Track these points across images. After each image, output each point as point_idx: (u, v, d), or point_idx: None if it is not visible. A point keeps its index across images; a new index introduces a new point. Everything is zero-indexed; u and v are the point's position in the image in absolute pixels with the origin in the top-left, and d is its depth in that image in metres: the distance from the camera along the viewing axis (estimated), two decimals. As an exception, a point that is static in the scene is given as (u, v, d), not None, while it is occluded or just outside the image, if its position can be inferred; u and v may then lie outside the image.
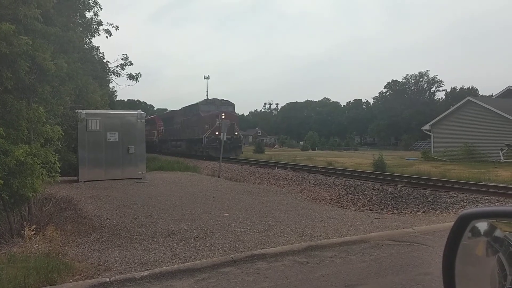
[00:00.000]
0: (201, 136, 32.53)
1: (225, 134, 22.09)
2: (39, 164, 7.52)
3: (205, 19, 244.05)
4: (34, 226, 6.90)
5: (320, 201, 13.79)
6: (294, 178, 18.37)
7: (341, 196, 14.17)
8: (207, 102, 35.28)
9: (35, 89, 8.17)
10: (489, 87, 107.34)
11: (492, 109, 30.33)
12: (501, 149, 27.86)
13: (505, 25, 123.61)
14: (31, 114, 7.76)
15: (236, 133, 32.68)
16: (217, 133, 30.51)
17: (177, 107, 54.04)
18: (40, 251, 6.13)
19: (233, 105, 35.24)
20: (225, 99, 35.19)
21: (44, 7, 7.92)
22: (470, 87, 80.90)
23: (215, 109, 33.47)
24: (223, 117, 30.36)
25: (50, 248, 6.29)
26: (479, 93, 74.11)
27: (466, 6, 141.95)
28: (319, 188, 15.82)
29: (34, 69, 7.75)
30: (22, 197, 7.48)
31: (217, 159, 27.42)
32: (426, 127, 36.84)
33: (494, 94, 44.67)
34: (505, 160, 27.06)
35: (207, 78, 62.18)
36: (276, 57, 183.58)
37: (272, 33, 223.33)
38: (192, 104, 37.08)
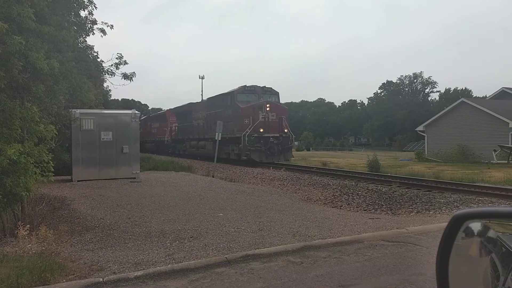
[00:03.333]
0: (238, 134, 25.21)
1: (220, 134, 21.90)
2: (32, 163, 7.49)
3: (200, 19, 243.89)
4: (28, 226, 6.86)
5: (315, 201, 13.80)
6: (289, 178, 18.37)
7: (335, 197, 14.18)
8: (246, 90, 26.86)
9: (28, 88, 8.13)
10: (483, 88, 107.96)
11: (486, 110, 30.50)
12: (494, 150, 28.02)
13: (500, 27, 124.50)
14: (25, 113, 7.72)
15: (285, 130, 25.76)
16: (261, 130, 24.47)
17: (172, 106, 50.18)
18: (33, 251, 6.10)
19: (277, 94, 27.67)
20: (267, 86, 27.47)
21: (38, 6, 7.88)
22: (464, 88, 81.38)
23: (256, 98, 26.28)
24: (267, 109, 24.91)
25: (43, 248, 6.26)
26: (472, 94, 74.54)
27: (460, 8, 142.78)
28: (314, 188, 15.84)
29: (27, 68, 7.71)
30: (15, 196, 7.44)
31: (262, 165, 23.96)
32: (420, 128, 36.98)
33: (487, 96, 45.01)
34: (498, 161, 27.22)
35: (202, 78, 61.97)
36: (271, 57, 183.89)
37: (267, 33, 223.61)
38: (224, 93, 28.67)
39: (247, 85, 26.98)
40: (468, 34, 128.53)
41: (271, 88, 27.58)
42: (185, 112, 37.20)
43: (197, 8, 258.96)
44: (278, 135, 25.27)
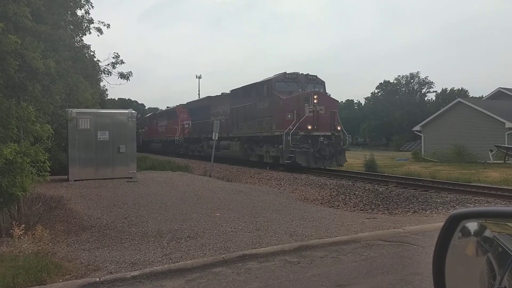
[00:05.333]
0: (278, 132, 20.56)
1: (217, 133, 21.77)
2: (28, 163, 7.46)
3: (197, 19, 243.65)
4: (23, 225, 6.84)
5: (312, 201, 13.80)
6: (286, 178, 18.37)
7: (332, 196, 14.19)
8: (286, 78, 21.95)
9: (25, 87, 8.11)
10: (479, 88, 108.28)
11: (482, 110, 30.59)
12: (491, 150, 28.11)
13: (496, 28, 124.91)
14: (21, 113, 7.69)
15: (338, 127, 21.06)
16: (309, 127, 19.90)
17: (169, 106, 47.86)
18: (29, 251, 6.08)
19: (323, 83, 22.68)
20: (311, 74, 22.50)
21: (34, 5, 7.86)
22: (461, 88, 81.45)
23: (299, 88, 21.65)
24: (315, 101, 20.26)
25: (40, 248, 6.24)
26: (469, 94, 74.62)
27: (458, 9, 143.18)
28: (311, 188, 15.84)
29: (23, 67, 7.69)
30: (11, 196, 7.41)
31: (309, 171, 19.86)
32: (417, 128, 37.06)
33: (484, 96, 45.14)
34: (494, 161, 27.31)
35: (199, 77, 61.92)
36: (268, 56, 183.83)
37: (264, 32, 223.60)
38: (256, 83, 23.80)
39: (287, 72, 22.05)
40: (465, 35, 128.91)
41: (316, 76, 22.56)
42: (201, 107, 32.15)
43: (195, 8, 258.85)
44: (330, 133, 20.67)
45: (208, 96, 32.42)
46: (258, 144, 23.11)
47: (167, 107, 45.34)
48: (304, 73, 22.19)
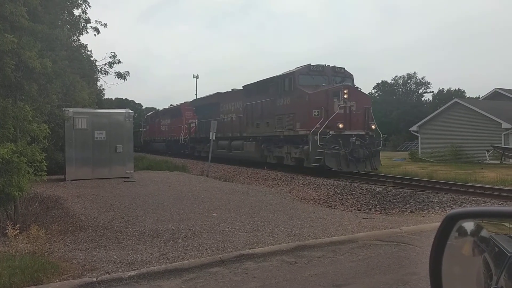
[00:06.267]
0: (303, 131, 18.27)
1: (214, 133, 21.68)
2: (25, 162, 7.44)
3: (195, 18, 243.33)
4: (18, 225, 6.82)
5: (309, 201, 13.81)
6: (283, 178, 18.39)
7: (329, 196, 14.21)
8: (311, 70, 19.55)
9: (21, 87, 8.09)
10: (476, 89, 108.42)
11: (479, 111, 30.68)
12: (487, 151, 28.19)
13: (493, 28, 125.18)
14: (17, 112, 7.67)
15: (373, 126, 18.86)
16: (341, 125, 17.67)
17: (166, 106, 46.82)
18: (26, 250, 6.06)
19: (351, 77, 20.37)
20: (338, 66, 20.13)
21: (31, 4, 7.85)
22: (457, 89, 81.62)
23: (325, 82, 19.29)
24: (345, 96, 18.09)
25: (36, 248, 6.22)
26: (466, 95, 74.78)
27: (455, 9, 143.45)
28: (308, 188, 15.86)
29: (20, 66, 7.67)
30: (8, 196, 7.40)
31: (340, 174, 17.62)
32: (414, 128, 37.13)
33: (481, 96, 45.25)
34: (491, 162, 27.40)
35: (196, 77, 61.84)
36: (265, 56, 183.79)
37: (262, 32, 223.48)
38: (276, 76, 21.21)
39: (311, 64, 19.65)
40: (462, 35, 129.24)
41: (344, 68, 20.28)
42: (208, 105, 29.60)
43: (192, 8, 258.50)
44: (363, 133, 18.42)
45: (217, 93, 29.52)
46: (277, 145, 20.98)
47: (170, 105, 43.25)
48: (331, 65, 19.90)
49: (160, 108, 53.05)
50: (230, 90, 27.90)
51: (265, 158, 22.16)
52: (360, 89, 20.08)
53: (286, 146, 20.19)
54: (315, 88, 18.79)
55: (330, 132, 17.51)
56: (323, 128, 17.45)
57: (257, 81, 23.22)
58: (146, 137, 48.82)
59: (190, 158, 30.71)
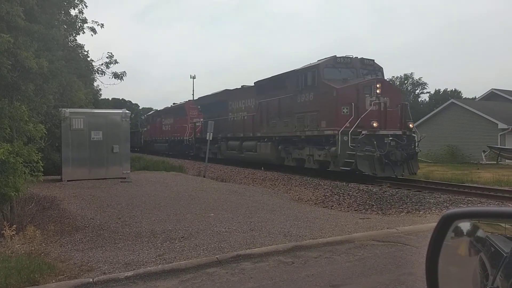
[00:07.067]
0: (330, 130, 16.38)
1: (211, 133, 21.60)
2: (21, 163, 7.42)
3: (192, 18, 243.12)
4: (14, 226, 6.79)
5: (306, 201, 13.82)
6: (280, 178, 18.39)
7: (326, 197, 14.21)
8: (337, 62, 17.54)
9: (18, 87, 8.07)
10: (473, 89, 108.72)
11: (475, 111, 30.80)
12: (484, 151, 28.29)
13: (491, 30, 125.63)
14: (14, 112, 7.65)
15: (410, 125, 16.94)
16: (375, 124, 15.69)
17: (163, 106, 46.11)
18: (22, 251, 6.04)
19: (381, 69, 18.36)
20: (366, 58, 18.14)
21: (27, 4, 7.84)
22: (454, 89, 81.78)
23: (353, 75, 17.37)
24: (378, 91, 16.15)
25: (32, 248, 6.20)
26: (462, 95, 74.98)
27: (452, 10, 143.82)
28: (305, 188, 15.86)
29: (16, 66, 7.65)
30: (4, 196, 7.36)
31: (374, 180, 15.88)
32: (411, 128, 37.14)
33: (477, 97, 45.39)
34: (487, 162, 27.50)
35: (193, 77, 61.87)
36: (263, 56, 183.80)
37: (259, 32, 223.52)
38: (298, 70, 18.93)
39: (337, 55, 17.70)
40: (459, 36, 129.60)
41: (373, 60, 18.24)
42: (215, 103, 27.69)
43: (189, 7, 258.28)
44: (400, 132, 16.49)
45: (225, 90, 27.46)
46: (297, 146, 18.99)
47: (173, 103, 41.18)
48: (359, 57, 17.95)
49: (157, 109, 51.99)
50: (240, 86, 26.19)
51: (282, 161, 20.33)
52: (393, 82, 17.86)
53: (308, 148, 18.19)
54: (343, 82, 16.80)
55: (364, 132, 15.54)
56: (354, 127, 15.48)
57: (273, 76, 21.20)
58: (147, 137, 47.34)
59: (196, 160, 29.29)
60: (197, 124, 30.99)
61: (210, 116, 27.77)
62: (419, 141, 17.44)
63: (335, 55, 17.66)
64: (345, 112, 15.99)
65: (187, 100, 37.83)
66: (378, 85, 16.18)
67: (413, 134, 17.07)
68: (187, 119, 33.68)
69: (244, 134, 23.52)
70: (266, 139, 21.27)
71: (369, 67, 17.94)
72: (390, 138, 16.01)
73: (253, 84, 23.37)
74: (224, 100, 26.53)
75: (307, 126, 17.88)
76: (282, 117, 19.75)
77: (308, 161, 18.29)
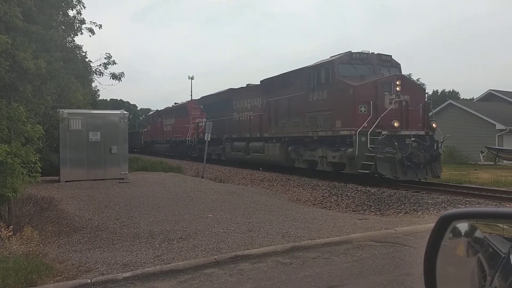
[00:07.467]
0: (346, 130, 15.44)
1: (209, 134, 21.55)
2: (19, 163, 7.41)
3: (190, 19, 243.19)
4: (12, 226, 6.78)
5: (304, 202, 13.82)
6: (278, 179, 18.38)
7: (324, 197, 14.21)
8: (353, 58, 16.53)
9: (15, 87, 8.06)
10: (470, 90, 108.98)
11: (473, 112, 30.85)
12: (481, 152, 28.34)
13: (489, 30, 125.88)
14: (11, 113, 7.64)
15: (434, 125, 16.37)
16: (396, 124, 14.65)
17: (161, 107, 45.51)
18: (20, 252, 6.03)
19: (398, 66, 17.36)
20: (383, 53, 17.09)
21: (26, 5, 7.83)
22: (452, 90, 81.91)
23: (370, 72, 16.31)
24: (397, 88, 15.12)
25: (30, 249, 6.19)
26: (460, 96, 75.11)
27: (450, 10, 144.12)
28: (303, 189, 15.86)
29: (14, 67, 7.63)
30: (1, 197, 7.35)
31: (397, 184, 14.79)
32: (409, 129, 37.16)
33: (475, 98, 45.44)
34: (485, 163, 27.54)
35: (192, 78, 61.76)
36: (262, 56, 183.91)
37: (258, 32, 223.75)
38: (310, 66, 17.91)
39: (352, 51, 16.68)
40: (457, 37, 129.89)
41: (390, 56, 17.19)
42: (219, 102, 26.77)
43: (187, 8, 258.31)
44: (423, 133, 15.61)
45: (230, 89, 26.43)
46: (309, 147, 18.01)
47: (175, 103, 40.34)
48: (375, 52, 16.85)
49: (155, 109, 51.45)
50: (245, 85, 25.24)
51: (292, 162, 19.37)
52: (413, 80, 16.33)
53: (321, 149, 17.20)
54: (360, 79, 15.71)
55: (384, 132, 14.54)
56: (373, 128, 14.45)
57: (281, 74, 20.21)
58: (147, 137, 46.49)
59: (199, 161, 27.67)
60: (199, 124, 29.84)
61: (214, 116, 27.15)
62: (442, 142, 16.53)
63: (350, 51, 16.70)
64: (362, 111, 15.03)
65: (189, 99, 37.14)
66: (398, 82, 15.19)
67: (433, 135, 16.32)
68: (189, 119, 32.99)
69: (250, 135, 22.60)
70: (274, 140, 20.42)
71: (387, 63, 17.00)
72: (412, 139, 15.03)
73: (259, 83, 22.56)
74: (229, 99, 25.63)
75: (320, 126, 16.93)
76: (292, 116, 18.88)
77: (321, 163, 17.37)
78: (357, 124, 14.78)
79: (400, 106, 15.24)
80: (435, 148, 15.90)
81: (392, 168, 14.45)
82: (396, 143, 14.46)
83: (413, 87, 16.27)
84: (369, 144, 14.36)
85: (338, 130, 15.86)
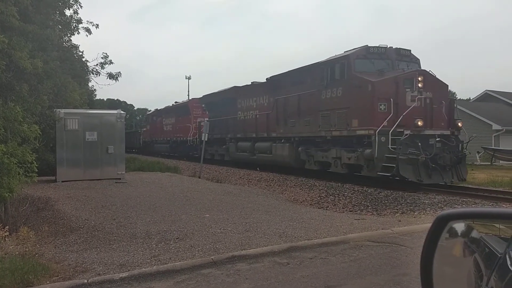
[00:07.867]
0: (364, 130, 14.33)
1: (207, 134, 21.53)
2: (15, 163, 7.38)
3: (188, 19, 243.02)
4: (8, 227, 6.76)
5: (301, 202, 13.83)
6: (276, 179, 18.38)
7: (321, 197, 14.22)
8: (369, 53, 15.38)
9: (12, 87, 8.03)
10: (467, 91, 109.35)
11: (470, 112, 30.90)
12: (478, 152, 28.39)
13: (486, 31, 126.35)
14: (8, 113, 7.61)
15: (459, 124, 15.16)
16: (420, 123, 13.53)
17: (159, 107, 44.42)
18: (16, 252, 6.01)
19: (418, 61, 16.16)
20: (403, 48, 15.96)
21: (22, 4, 7.81)
22: (448, 90, 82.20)
23: (388, 67, 15.17)
24: (419, 85, 14.02)
25: (26, 249, 6.17)
26: (457, 96, 75.34)
27: (448, 11, 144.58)
28: (300, 189, 15.87)
29: (11, 67, 7.61)
30: (-3, 197, 7.33)
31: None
32: (406, 129, 37.20)
33: (471, 98, 45.56)
34: (481, 163, 27.60)
35: (189, 78, 61.85)
36: (261, 56, 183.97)
37: (256, 32, 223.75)
38: (324, 61, 16.73)
39: (369, 45, 15.50)
40: (454, 37, 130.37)
41: (410, 51, 16.09)
42: (223, 101, 25.68)
43: (186, 8, 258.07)
44: (448, 132, 14.54)
45: (234, 87, 25.20)
46: (321, 148, 16.96)
47: (175, 102, 39.47)
48: (393, 47, 15.67)
49: (153, 109, 50.91)
50: (250, 83, 24.12)
51: (302, 164, 18.30)
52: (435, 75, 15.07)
53: (335, 150, 16.11)
54: (378, 75, 14.60)
55: (407, 132, 13.38)
56: (394, 127, 13.34)
57: (290, 71, 19.09)
58: (147, 137, 45.56)
59: (199, 161, 26.86)
60: (201, 123, 27.49)
61: (217, 115, 26.44)
62: (468, 142, 15.30)
63: (367, 45, 15.54)
64: (382, 109, 13.86)
65: (191, 98, 36.16)
66: (420, 78, 14.07)
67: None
68: (190, 119, 32.06)
69: (256, 135, 21.49)
70: (283, 140, 19.28)
71: (406, 58, 15.83)
72: (437, 139, 13.99)
73: (264, 80, 21.56)
74: (233, 97, 24.42)
75: (334, 125, 15.82)
76: (303, 115, 17.80)
77: (335, 164, 16.27)
78: (376, 123, 13.67)
79: (423, 103, 14.17)
80: (460, 149, 14.90)
81: (415, 170, 13.35)
82: (419, 144, 13.41)
83: (436, 83, 14.88)
84: (390, 145, 13.27)
85: (355, 130, 14.76)
